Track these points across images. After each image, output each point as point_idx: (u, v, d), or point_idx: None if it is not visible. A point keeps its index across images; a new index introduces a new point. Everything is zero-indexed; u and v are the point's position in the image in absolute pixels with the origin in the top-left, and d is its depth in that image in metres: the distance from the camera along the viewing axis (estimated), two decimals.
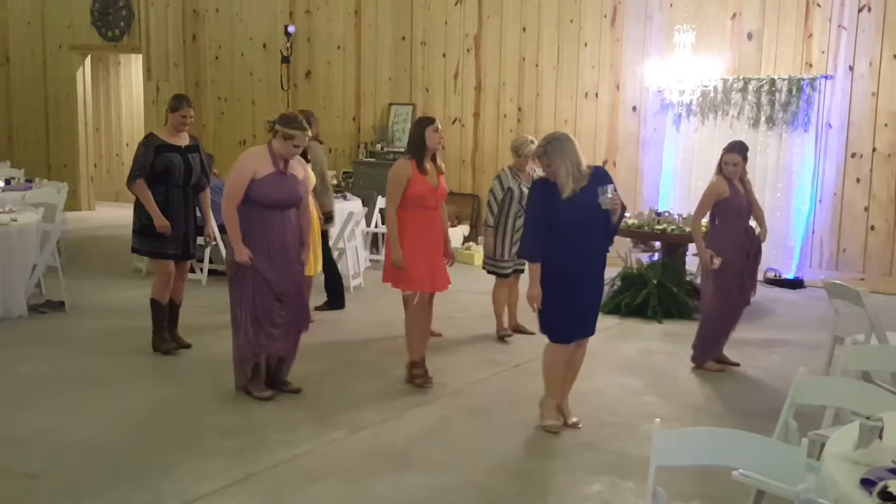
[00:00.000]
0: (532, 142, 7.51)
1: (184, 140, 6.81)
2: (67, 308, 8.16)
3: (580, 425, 5.45)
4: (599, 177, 5.18)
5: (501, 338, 7.60)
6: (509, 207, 7.42)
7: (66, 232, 10.00)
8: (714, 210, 6.74)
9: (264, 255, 5.66)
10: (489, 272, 7.63)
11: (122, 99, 17.04)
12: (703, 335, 6.85)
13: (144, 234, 6.72)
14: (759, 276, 10.14)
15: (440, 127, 6.21)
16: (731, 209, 6.66)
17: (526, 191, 7.41)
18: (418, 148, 6.12)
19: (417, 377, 6.23)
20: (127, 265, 10.12)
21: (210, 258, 9.38)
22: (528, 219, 5.37)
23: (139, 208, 6.73)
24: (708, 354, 6.85)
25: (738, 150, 6.69)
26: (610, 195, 5.07)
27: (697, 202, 6.92)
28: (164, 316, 6.90)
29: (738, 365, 6.92)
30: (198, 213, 6.99)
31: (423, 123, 6.20)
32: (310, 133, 5.87)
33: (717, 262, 6.59)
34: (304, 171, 5.93)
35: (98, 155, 16.69)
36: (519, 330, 7.73)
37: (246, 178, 5.62)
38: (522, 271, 7.56)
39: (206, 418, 5.52)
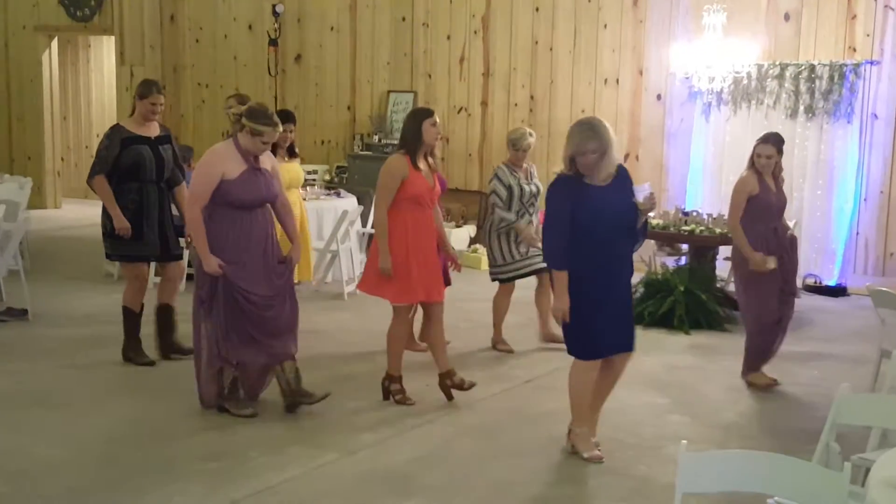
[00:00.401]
0: (531, 135, 7.53)
1: (153, 130, 6.82)
2: (31, 316, 8.17)
3: (600, 447, 5.45)
4: (623, 174, 5.20)
5: (496, 348, 7.66)
6: (510, 207, 7.44)
7: (30, 232, 10.02)
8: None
9: (239, 260, 5.65)
10: (493, 279, 7.65)
11: (93, 85, 17.06)
12: (748, 348, 6.88)
13: (116, 237, 6.72)
14: (798, 283, 10.19)
15: (438, 120, 6.21)
16: (759, 207, 6.66)
17: (526, 188, 7.46)
18: (413, 143, 6.09)
19: (397, 393, 6.26)
20: (97, 269, 10.13)
21: (189, 261, 9.38)
22: (550, 221, 5.25)
23: (106, 209, 6.73)
24: (754, 367, 6.85)
25: (773, 141, 6.70)
26: (648, 193, 5.06)
27: (729, 202, 6.91)
28: (138, 325, 6.92)
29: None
30: (174, 212, 7.00)
31: (420, 116, 6.17)
32: (280, 128, 5.87)
33: (771, 262, 6.55)
34: (270, 162, 5.95)
35: (65, 147, 16.72)
36: (553, 340, 7.64)
37: (214, 179, 5.61)
38: (539, 271, 7.55)
39: (183, 438, 5.52)
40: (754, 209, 6.67)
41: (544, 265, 7.56)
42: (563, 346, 7.30)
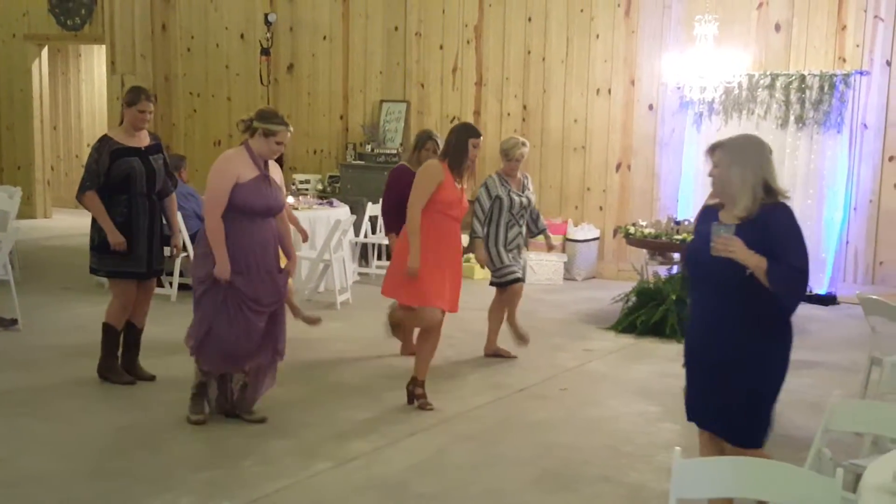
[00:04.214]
0: (524, 144, 7.52)
1: (143, 140, 6.60)
2: (20, 326, 8.15)
3: None
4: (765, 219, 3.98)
5: (495, 355, 7.69)
6: (499, 217, 7.45)
7: (20, 242, 10.01)
8: None
9: (246, 268, 5.66)
10: (492, 283, 7.66)
11: (83, 94, 17.08)
12: None
13: (104, 252, 6.51)
14: None
15: (480, 143, 6.36)
16: None
17: (517, 199, 7.45)
18: (455, 157, 6.24)
19: (420, 397, 6.32)
20: (87, 279, 10.07)
21: (181, 271, 9.38)
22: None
23: (96, 222, 6.54)
24: None
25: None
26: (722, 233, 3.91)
27: None
28: (119, 343, 6.73)
29: None
30: (163, 221, 6.86)
31: (467, 133, 6.30)
32: (292, 129, 5.90)
33: None
34: (279, 174, 5.97)
35: (55, 157, 16.71)
36: (497, 354, 7.69)
37: (229, 183, 5.61)
38: (514, 282, 7.58)
39: (174, 449, 5.52)
40: None
41: (517, 277, 7.60)
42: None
